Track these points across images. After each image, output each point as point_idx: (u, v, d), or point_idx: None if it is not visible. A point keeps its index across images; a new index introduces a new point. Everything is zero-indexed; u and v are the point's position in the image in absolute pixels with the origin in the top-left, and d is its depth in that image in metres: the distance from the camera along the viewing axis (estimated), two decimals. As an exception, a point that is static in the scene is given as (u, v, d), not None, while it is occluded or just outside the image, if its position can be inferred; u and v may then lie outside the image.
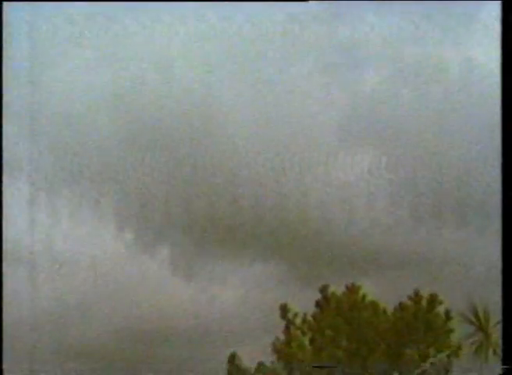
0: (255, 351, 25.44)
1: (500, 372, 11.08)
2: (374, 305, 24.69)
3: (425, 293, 24.45)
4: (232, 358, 24.06)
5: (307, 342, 24.99)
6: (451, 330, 24.35)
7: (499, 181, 9.92)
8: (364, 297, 24.81)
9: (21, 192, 27.27)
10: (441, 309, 24.46)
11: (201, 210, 30.52)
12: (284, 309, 24.95)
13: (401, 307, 24.66)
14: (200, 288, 29.57)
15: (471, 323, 22.53)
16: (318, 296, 25.04)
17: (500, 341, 18.54)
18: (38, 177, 28.61)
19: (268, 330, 25.16)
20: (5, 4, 10.00)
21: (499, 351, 19.79)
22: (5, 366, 11.24)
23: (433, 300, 24.40)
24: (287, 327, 24.85)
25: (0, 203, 10.06)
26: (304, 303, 25.23)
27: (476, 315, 22.27)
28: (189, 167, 30.12)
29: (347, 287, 24.94)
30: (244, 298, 27.77)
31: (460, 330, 23.57)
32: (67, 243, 30.22)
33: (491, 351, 22.01)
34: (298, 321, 25.01)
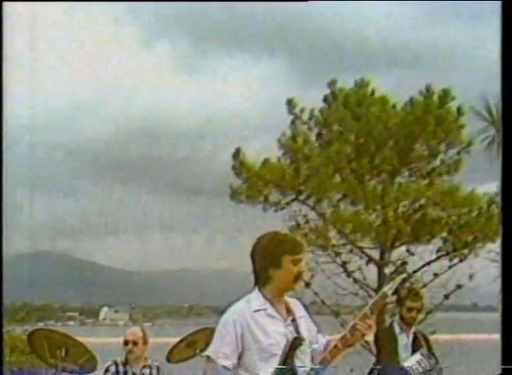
0: (260, 148, 24.94)
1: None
2: (383, 100, 23.67)
3: (437, 88, 23.38)
4: (237, 155, 23.39)
5: (313, 138, 24.31)
6: (462, 126, 23.47)
7: None
8: (373, 92, 23.79)
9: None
10: (453, 105, 23.45)
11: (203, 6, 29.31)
12: (290, 104, 24.05)
13: (412, 102, 23.67)
14: (203, 85, 28.85)
15: (484, 118, 21.67)
16: (326, 92, 24.05)
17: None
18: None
19: (273, 126, 24.49)
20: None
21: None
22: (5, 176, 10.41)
23: (445, 95, 23.31)
24: (293, 123, 24.06)
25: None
26: (311, 99, 24.35)
27: (489, 110, 21.34)
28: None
29: (356, 83, 23.89)
30: (248, 95, 27.09)
31: (471, 127, 22.76)
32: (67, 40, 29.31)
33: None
34: (305, 117, 24.17)
